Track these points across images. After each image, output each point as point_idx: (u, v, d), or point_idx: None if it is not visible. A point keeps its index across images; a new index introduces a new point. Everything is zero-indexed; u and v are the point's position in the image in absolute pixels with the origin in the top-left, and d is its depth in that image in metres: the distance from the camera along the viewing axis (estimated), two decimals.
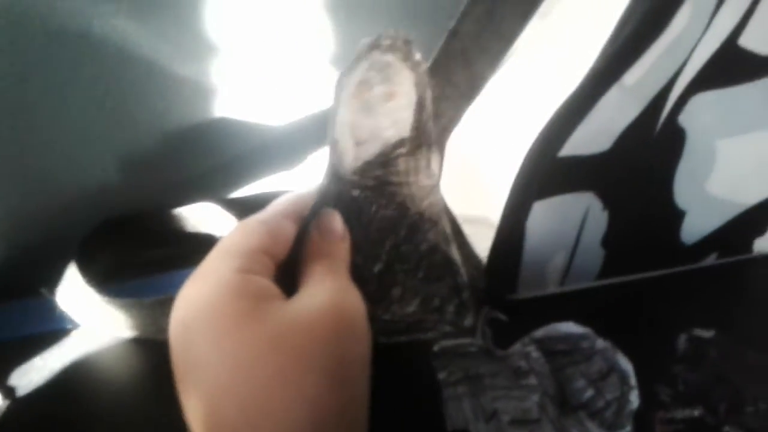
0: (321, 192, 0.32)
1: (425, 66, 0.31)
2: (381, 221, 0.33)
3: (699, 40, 0.34)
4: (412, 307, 0.33)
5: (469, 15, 0.38)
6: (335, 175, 0.32)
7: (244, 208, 0.42)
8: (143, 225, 0.45)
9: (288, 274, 0.30)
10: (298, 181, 0.47)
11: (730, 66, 0.35)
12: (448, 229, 0.34)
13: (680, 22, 0.32)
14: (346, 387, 0.27)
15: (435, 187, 0.34)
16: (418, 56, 0.31)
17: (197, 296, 0.27)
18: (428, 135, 0.33)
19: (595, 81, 0.33)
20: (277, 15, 0.40)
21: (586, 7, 0.35)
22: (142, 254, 0.44)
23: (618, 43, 0.33)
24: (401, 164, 0.33)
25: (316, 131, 0.45)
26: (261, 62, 0.41)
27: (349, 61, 0.30)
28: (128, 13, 0.36)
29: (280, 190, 0.48)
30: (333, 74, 0.34)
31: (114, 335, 0.40)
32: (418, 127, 0.32)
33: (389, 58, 0.30)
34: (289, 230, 0.31)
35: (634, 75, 0.33)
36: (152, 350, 0.39)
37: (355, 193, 0.32)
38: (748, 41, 0.35)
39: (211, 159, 0.45)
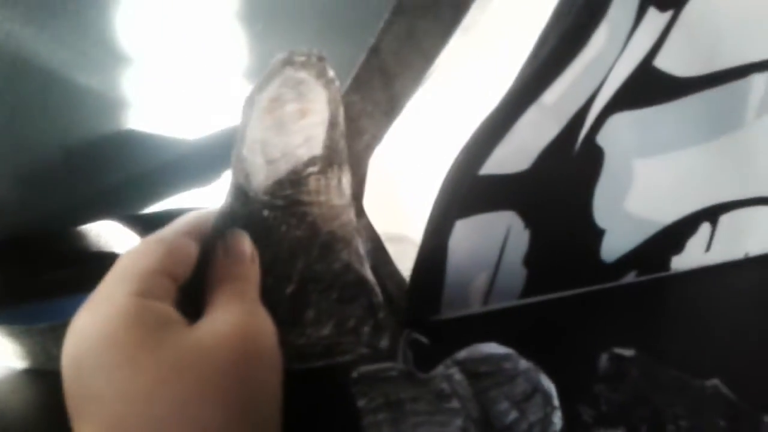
0: (224, 211, 0.31)
1: (338, 83, 0.31)
2: (291, 241, 0.32)
3: (616, 60, 0.34)
4: (326, 330, 0.32)
5: (390, 31, 0.38)
6: (242, 194, 0.31)
7: (147, 226, 0.40)
8: (40, 245, 0.42)
9: (191, 297, 0.29)
10: (209, 199, 0.45)
11: (647, 87, 0.36)
12: (361, 250, 0.34)
13: (597, 42, 0.32)
14: (253, 413, 0.25)
15: (347, 207, 0.33)
16: (331, 73, 0.30)
17: (90, 325, 0.25)
18: (340, 153, 0.32)
19: (514, 100, 0.33)
20: (189, 24, 0.38)
21: (507, 24, 0.35)
22: (38, 277, 0.41)
23: (536, 63, 0.33)
24: (312, 183, 0.32)
25: (228, 147, 0.44)
26: (172, 73, 0.40)
27: (262, 77, 0.29)
28: (24, 18, 0.34)
29: (187, 208, 0.46)
30: (247, 88, 0.33)
31: (2, 366, 0.38)
32: (330, 145, 0.32)
33: (302, 74, 0.30)
34: (191, 250, 0.29)
35: (552, 94, 0.33)
36: (43, 381, 0.37)
37: (265, 213, 0.31)
38: (664, 63, 0.36)
39: (116, 175, 0.42)
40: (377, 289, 0.34)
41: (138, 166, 0.42)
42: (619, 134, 0.37)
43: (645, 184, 0.40)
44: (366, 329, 0.33)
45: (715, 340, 0.41)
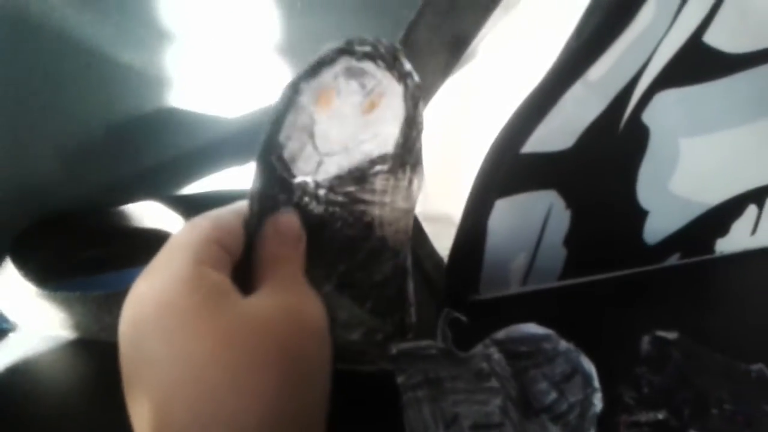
0: (264, 198, 0.30)
1: (417, 78, 0.29)
2: (341, 240, 0.31)
3: (664, 36, 0.33)
4: (355, 335, 0.32)
5: (430, 6, 0.37)
6: (278, 179, 0.29)
7: (191, 207, 0.41)
8: (84, 223, 0.43)
9: (242, 274, 0.29)
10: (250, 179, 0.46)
11: (695, 64, 0.35)
12: (408, 262, 0.32)
13: (645, 17, 0.32)
14: (303, 389, 0.25)
15: (409, 213, 0.31)
16: (407, 66, 0.28)
17: (148, 292, 0.26)
18: (415, 154, 0.30)
19: (558, 76, 0.33)
20: (230, 2, 0.38)
21: (551, 0, 0.34)
22: (82, 253, 0.42)
23: (582, 38, 0.32)
24: (379, 182, 0.30)
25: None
26: (212, 52, 0.40)
27: (305, 59, 0.28)
28: None
29: (229, 190, 0.46)
30: (287, 68, 0.33)
31: (54, 336, 0.38)
32: (405, 144, 0.30)
33: (367, 66, 0.28)
34: (238, 226, 0.29)
35: (597, 71, 0.33)
36: (95, 352, 0.37)
37: (321, 207, 0.30)
38: (713, 39, 0.35)
39: (158, 154, 0.43)
40: (412, 310, 0.33)
41: (179, 145, 0.43)
42: (666, 112, 0.36)
43: (691, 165, 0.39)
44: (393, 347, 0.32)
45: (760, 325, 0.40)
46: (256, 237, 0.29)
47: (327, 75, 0.28)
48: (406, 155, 0.30)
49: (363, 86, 0.29)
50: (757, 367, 0.35)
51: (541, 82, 0.33)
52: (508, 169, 0.35)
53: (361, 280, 0.32)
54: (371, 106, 0.29)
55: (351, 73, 0.28)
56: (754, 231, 0.45)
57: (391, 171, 0.30)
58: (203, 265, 0.26)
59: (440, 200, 0.41)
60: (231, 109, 0.43)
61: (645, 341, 0.36)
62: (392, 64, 0.28)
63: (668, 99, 0.36)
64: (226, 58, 0.40)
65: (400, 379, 0.31)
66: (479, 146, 0.35)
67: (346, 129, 0.29)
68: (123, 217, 0.44)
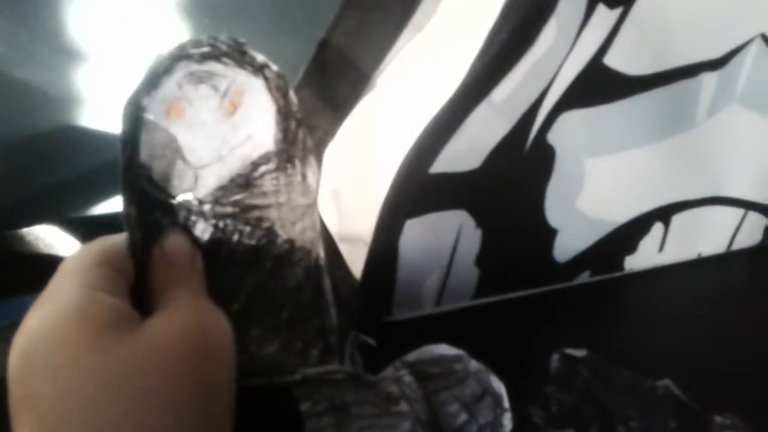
0: (148, 226, 0.28)
1: (275, 68, 0.27)
2: (243, 253, 0.29)
3: (565, 58, 0.34)
4: (272, 348, 0.30)
5: (340, 26, 0.37)
6: (161, 204, 0.28)
7: (89, 230, 0.39)
8: None
9: (138, 296, 0.27)
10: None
11: (596, 85, 0.36)
12: (322, 259, 0.31)
13: (546, 39, 0.32)
14: (206, 416, 0.24)
15: (311, 207, 0.30)
16: (259, 58, 0.27)
17: (39, 322, 0.24)
18: (299, 145, 0.29)
19: (463, 97, 0.33)
20: (134, 17, 0.37)
21: (457, 21, 0.35)
22: None
23: (486, 60, 0.32)
24: (268, 183, 0.29)
25: None
26: (114, 67, 0.38)
27: (145, 76, 0.26)
28: None
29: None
30: None
31: None
32: (286, 138, 0.28)
33: (212, 66, 0.27)
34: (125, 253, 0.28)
35: (502, 92, 0.33)
36: None
37: (210, 223, 0.29)
38: (614, 61, 0.35)
39: (55, 176, 0.41)
40: (332, 310, 0.31)
41: (78, 166, 0.41)
42: (570, 133, 0.37)
43: (597, 184, 0.40)
44: (314, 352, 0.31)
45: (668, 341, 0.41)
46: (148, 264, 0.28)
47: (168, 85, 0.26)
48: (291, 149, 0.29)
49: (215, 88, 0.27)
50: (663, 383, 0.35)
51: (447, 103, 0.33)
52: (418, 189, 0.35)
53: (273, 289, 0.30)
54: (233, 108, 0.28)
55: (197, 78, 0.27)
56: (661, 248, 0.46)
57: (279, 168, 0.29)
58: (95, 289, 0.25)
59: (354, 221, 0.41)
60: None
61: (554, 359, 0.36)
62: (241, 60, 0.27)
63: (572, 120, 0.36)
64: (128, 76, 0.39)
65: (304, 407, 0.30)
66: (390, 166, 0.35)
67: (212, 137, 0.28)
68: (17, 241, 0.42)
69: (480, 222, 0.37)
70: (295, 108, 0.28)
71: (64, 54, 0.37)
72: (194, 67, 0.26)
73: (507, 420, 0.32)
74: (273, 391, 0.30)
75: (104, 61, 0.38)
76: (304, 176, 0.29)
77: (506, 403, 0.32)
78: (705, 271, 0.48)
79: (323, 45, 0.38)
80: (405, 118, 0.35)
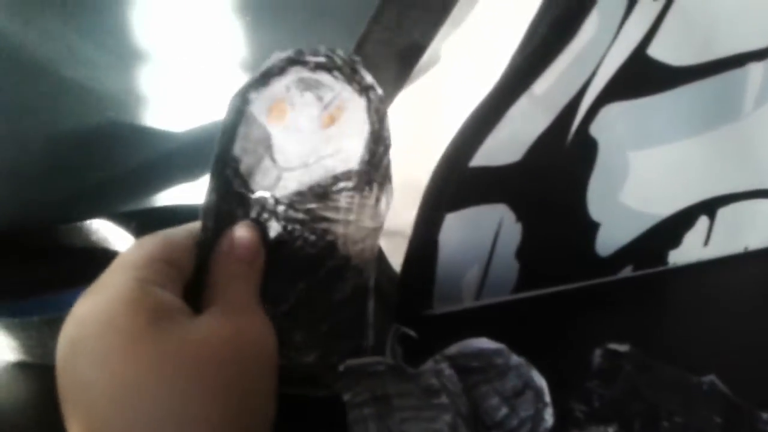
0: (221, 215, 0.29)
1: (380, 92, 0.28)
2: (301, 259, 0.30)
3: (608, 49, 0.34)
4: (310, 358, 0.31)
5: (379, 21, 0.37)
6: (234, 194, 0.29)
7: (141, 224, 0.40)
8: (32, 241, 0.42)
9: (194, 294, 0.28)
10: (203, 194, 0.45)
11: (640, 76, 0.35)
12: (372, 282, 0.31)
13: (588, 30, 0.32)
14: (246, 418, 0.25)
15: (376, 231, 0.30)
16: (368, 79, 0.28)
17: (90, 311, 0.25)
18: (382, 171, 0.29)
19: (504, 90, 0.33)
20: (177, 13, 0.38)
21: (498, 15, 0.35)
22: (26, 273, 0.41)
23: (526, 52, 0.32)
24: (343, 200, 0.29)
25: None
26: (160, 64, 0.39)
27: (256, 70, 0.27)
28: (10, 11, 0.33)
29: (180, 205, 0.45)
30: (237, 82, 0.32)
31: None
32: (371, 160, 0.29)
33: (322, 77, 0.27)
34: (189, 243, 0.29)
35: (543, 84, 0.33)
36: (38, 375, 0.36)
37: (280, 224, 0.29)
38: (657, 51, 0.35)
39: (105, 170, 0.42)
40: (371, 332, 0.32)
41: (127, 161, 0.42)
42: (613, 125, 0.36)
43: (640, 177, 0.39)
44: None
45: (713, 336, 0.40)
46: (212, 253, 0.29)
47: (277, 85, 0.27)
48: (373, 172, 0.29)
49: (320, 98, 0.28)
50: (708, 379, 0.35)
51: (488, 96, 0.33)
52: (458, 183, 0.35)
53: (320, 299, 0.31)
54: (331, 120, 0.28)
55: (305, 85, 0.27)
56: (706, 242, 0.45)
57: (357, 188, 0.29)
58: (149, 284, 0.25)
59: (394, 215, 0.41)
60: (180, 124, 0.42)
61: (596, 354, 0.36)
62: (351, 77, 0.28)
63: (615, 112, 0.36)
64: (175, 71, 0.40)
65: (346, 397, 0.30)
66: (429, 160, 0.35)
67: (304, 143, 0.28)
68: (70, 235, 0.43)
69: (520, 216, 0.37)
70: (387, 134, 0.29)
71: (109, 53, 0.38)
72: (306, 74, 0.27)
73: (548, 414, 0.32)
74: (306, 404, 0.30)
75: (149, 59, 0.39)
76: (377, 201, 0.30)
77: (547, 398, 0.32)
78: (752, 265, 0.47)
79: (362, 41, 0.38)
80: (445, 112, 0.35)
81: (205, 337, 0.25)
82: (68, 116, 0.38)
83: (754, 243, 0.47)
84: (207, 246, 0.29)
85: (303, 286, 0.30)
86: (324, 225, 0.30)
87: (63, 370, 0.24)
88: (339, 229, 0.30)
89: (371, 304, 0.31)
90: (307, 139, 0.28)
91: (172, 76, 0.39)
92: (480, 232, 0.37)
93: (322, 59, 0.27)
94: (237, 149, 0.28)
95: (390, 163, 0.30)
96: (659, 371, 0.36)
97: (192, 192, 0.45)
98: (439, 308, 0.40)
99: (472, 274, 0.39)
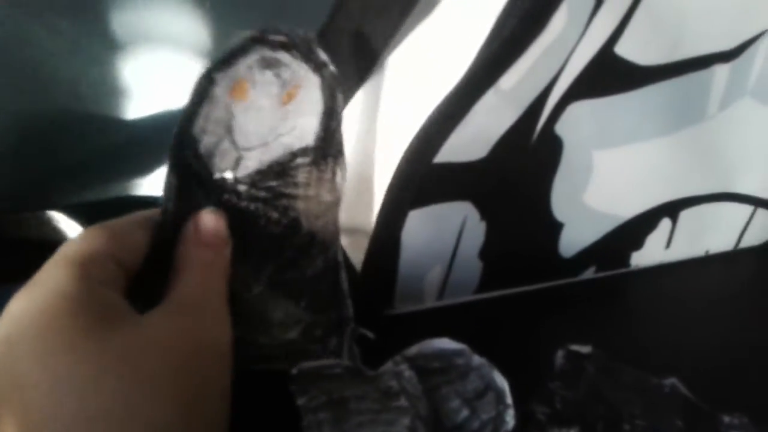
0: (184, 197, 0.28)
1: (333, 68, 0.28)
2: (267, 238, 0.30)
3: (575, 46, 0.33)
4: (293, 334, 0.30)
5: (342, 11, 0.36)
6: (195, 177, 0.28)
7: (91, 216, 0.38)
8: None
9: (143, 286, 0.27)
10: (154, 186, 0.43)
11: (607, 74, 0.35)
12: (340, 255, 0.32)
13: (557, 25, 0.31)
14: (198, 414, 0.23)
15: (335, 205, 0.31)
16: (323, 57, 0.28)
17: (26, 308, 0.23)
18: (336, 145, 0.30)
19: (470, 84, 0.32)
20: (136, 2, 0.36)
21: (466, 8, 0.34)
22: None
23: (494, 45, 0.31)
24: (301, 175, 0.30)
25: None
26: (114, 50, 0.38)
27: (218, 53, 0.27)
28: None
29: (134, 196, 0.44)
30: (195, 68, 0.31)
31: None
32: (325, 136, 0.29)
33: (283, 56, 0.27)
34: (139, 237, 0.27)
35: (510, 79, 0.32)
36: None
37: (243, 204, 0.29)
38: (625, 50, 0.35)
39: (54, 161, 0.40)
40: (349, 302, 0.32)
41: (76, 152, 0.40)
42: (579, 124, 0.36)
43: (605, 177, 0.39)
44: (333, 340, 0.32)
45: (674, 338, 0.40)
46: (173, 239, 0.27)
47: (241, 65, 0.27)
48: (327, 147, 0.30)
49: (278, 77, 0.28)
50: (669, 381, 0.35)
51: (453, 90, 0.32)
52: (422, 179, 0.34)
53: (293, 277, 0.31)
54: (288, 98, 0.28)
55: (266, 64, 0.27)
56: (668, 245, 0.45)
57: (314, 163, 0.30)
58: (92, 281, 0.24)
59: (356, 211, 0.40)
60: (134, 113, 0.41)
61: (559, 356, 0.35)
62: (308, 55, 0.28)
63: (581, 110, 0.36)
64: (131, 59, 0.38)
65: (300, 401, 0.29)
66: (393, 156, 0.34)
67: (264, 122, 0.29)
68: (14, 227, 0.41)
69: (485, 214, 0.37)
70: (339, 110, 0.29)
71: (62, 36, 0.36)
72: (267, 53, 0.27)
73: (510, 416, 0.31)
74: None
75: (105, 44, 0.37)
76: (333, 174, 0.30)
77: (509, 399, 0.32)
78: (712, 269, 0.48)
79: (324, 31, 0.37)
80: (409, 106, 0.35)
81: (151, 337, 0.24)
82: (17, 102, 0.37)
83: (715, 246, 0.48)
84: (166, 230, 0.28)
85: (273, 267, 0.30)
86: (284, 201, 0.30)
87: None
88: (300, 205, 0.30)
89: (343, 276, 0.32)
90: (266, 118, 0.29)
91: (126, 63, 0.38)
92: (443, 230, 0.36)
93: (282, 38, 0.27)
94: (197, 130, 0.27)
95: (342, 137, 0.30)
96: (621, 373, 0.35)
97: (147, 184, 0.44)
98: (401, 308, 0.39)
99: (435, 273, 0.38)
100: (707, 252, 0.48)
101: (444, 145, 0.33)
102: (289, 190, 0.30)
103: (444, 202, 0.35)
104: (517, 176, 0.36)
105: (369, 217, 0.36)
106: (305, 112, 0.29)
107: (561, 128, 0.36)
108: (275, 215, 0.30)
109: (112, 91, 0.39)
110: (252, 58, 0.27)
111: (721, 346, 0.40)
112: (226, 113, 0.28)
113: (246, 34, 0.27)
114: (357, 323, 0.33)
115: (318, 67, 0.28)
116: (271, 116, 0.29)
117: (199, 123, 0.27)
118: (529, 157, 0.36)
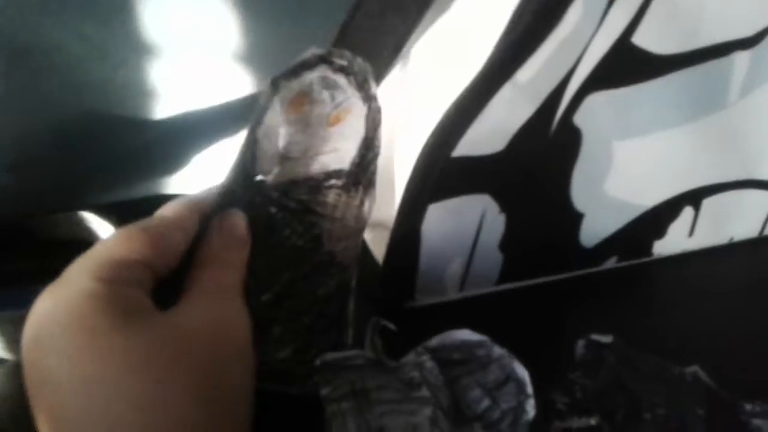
0: (226, 189, 0.29)
1: (379, 104, 0.29)
2: (288, 249, 0.30)
3: (592, 37, 0.33)
4: (284, 353, 0.31)
5: (361, 9, 0.37)
6: (244, 174, 0.29)
7: (120, 215, 0.39)
8: (10, 233, 0.41)
9: (174, 280, 0.27)
10: (186, 185, 0.44)
11: (624, 65, 0.35)
12: (353, 281, 0.32)
13: (572, 18, 0.31)
14: (223, 414, 0.24)
15: (358, 232, 0.32)
16: (374, 89, 0.29)
17: (53, 307, 0.24)
18: (369, 176, 0.31)
19: (487, 78, 0.32)
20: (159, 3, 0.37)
21: (482, 2, 0.34)
22: (9, 265, 0.40)
23: (510, 40, 0.32)
24: (331, 196, 0.31)
25: (205, 131, 0.42)
26: (140, 52, 0.38)
27: (293, 63, 0.28)
28: None
29: (165, 195, 0.45)
30: (218, 69, 0.32)
31: None
32: (361, 164, 0.30)
33: (340, 79, 0.29)
34: (178, 242, 0.27)
35: (526, 72, 0.32)
36: (12, 371, 0.35)
37: (272, 210, 0.30)
38: (642, 40, 0.34)
39: (84, 162, 0.41)
40: (350, 331, 0.32)
41: (108, 151, 0.41)
42: (597, 114, 0.36)
43: (625, 167, 0.39)
44: None
45: (696, 327, 0.40)
46: (202, 236, 0.28)
47: (306, 79, 0.28)
48: (360, 175, 0.30)
49: (333, 99, 0.29)
50: (692, 369, 0.35)
51: (470, 84, 0.32)
52: (440, 173, 0.34)
53: (303, 292, 0.31)
54: (336, 120, 0.30)
55: (326, 84, 0.29)
56: (691, 233, 0.45)
57: (345, 188, 0.30)
58: (116, 282, 0.24)
59: (376, 205, 0.41)
60: (162, 113, 0.41)
61: (580, 345, 0.36)
62: (362, 84, 0.29)
63: (599, 101, 0.36)
64: (158, 62, 0.39)
65: (324, 392, 0.29)
66: (412, 150, 0.34)
67: (310, 137, 0.30)
68: (48, 227, 0.42)
69: (504, 206, 0.37)
70: (378, 142, 0.30)
71: (93, 39, 0.37)
72: (329, 73, 0.29)
73: (530, 406, 0.31)
74: (278, 401, 0.30)
75: (133, 48, 0.38)
76: (362, 203, 0.31)
77: (530, 389, 0.32)
78: (736, 256, 0.47)
79: (344, 29, 0.38)
80: (428, 100, 0.35)
81: (176, 333, 0.24)
82: (46, 105, 0.38)
83: (739, 234, 0.47)
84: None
85: (288, 277, 0.30)
86: (312, 218, 0.30)
87: (29, 368, 0.24)
88: (325, 224, 0.31)
89: (351, 304, 0.32)
90: (313, 134, 0.30)
91: (152, 66, 0.39)
92: (463, 222, 0.37)
93: (344, 62, 0.29)
94: (260, 133, 0.29)
95: (376, 170, 0.31)
96: (642, 362, 0.35)
97: (175, 182, 0.45)
98: (422, 300, 0.40)
99: (456, 266, 0.39)
100: (731, 239, 0.47)
101: (462, 139, 0.33)
102: (318, 208, 0.30)
103: (463, 196, 0.36)
104: (536, 168, 0.36)
105: (390, 212, 0.37)
106: (347, 137, 0.30)
107: (579, 119, 0.36)
108: (300, 228, 0.30)
109: (139, 93, 0.40)
110: (316, 75, 0.28)
111: (743, 335, 0.39)
112: (283, 122, 0.29)
113: (315, 50, 0.28)
114: (379, 315, 0.34)
115: (368, 98, 0.29)
116: (317, 133, 0.30)
117: (263, 127, 0.29)
118: (547, 149, 0.36)
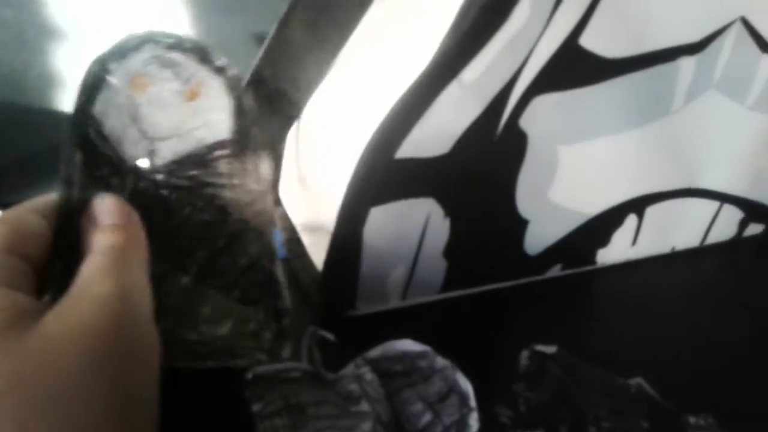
0: (74, 181, 0.27)
1: (234, 71, 0.29)
2: (194, 227, 0.30)
3: (539, 38, 0.32)
4: (223, 329, 0.30)
5: (302, 2, 0.35)
6: (107, 162, 0.28)
7: None
8: None
9: (56, 277, 0.25)
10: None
11: (571, 67, 0.34)
12: (275, 244, 0.31)
13: (520, 16, 0.30)
14: (126, 423, 0.21)
15: (265, 194, 0.31)
16: (220, 62, 0.29)
17: None
18: (253, 140, 0.30)
19: (432, 76, 0.31)
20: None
21: None
22: None
23: (456, 36, 0.31)
24: (223, 166, 0.30)
25: None
26: (61, 43, 0.36)
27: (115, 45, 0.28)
28: None
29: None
30: None
31: None
32: (240, 131, 0.30)
33: (177, 57, 0.28)
34: (40, 227, 0.25)
35: (473, 71, 0.31)
36: None
37: (163, 193, 0.29)
38: (590, 42, 0.34)
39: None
40: (285, 292, 0.31)
41: (26, 145, 0.38)
42: (544, 118, 0.35)
43: (570, 173, 0.38)
44: (267, 335, 0.30)
45: (640, 336, 0.40)
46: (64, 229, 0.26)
47: (135, 60, 0.28)
48: (244, 141, 0.30)
49: (178, 75, 0.29)
50: (635, 381, 0.34)
51: (415, 83, 0.31)
52: (383, 176, 0.33)
53: (225, 266, 0.30)
54: (193, 95, 0.29)
55: (163, 63, 0.28)
56: (634, 241, 0.45)
57: (234, 155, 0.30)
58: None
59: (318, 209, 0.39)
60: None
61: (523, 356, 0.35)
62: (204, 59, 0.29)
63: (546, 104, 0.35)
64: (79, 50, 0.36)
65: (256, 407, 0.28)
66: (354, 151, 0.33)
67: (171, 115, 0.29)
68: None
69: (449, 211, 0.36)
70: (248, 109, 0.30)
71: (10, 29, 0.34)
72: (160, 52, 0.28)
73: (473, 420, 0.31)
74: (224, 377, 0.29)
75: (54, 38, 0.35)
76: (256, 166, 0.31)
77: (473, 402, 0.31)
78: (678, 266, 0.47)
79: (284, 22, 0.36)
80: (370, 99, 0.33)
81: (54, 337, 0.21)
82: None
83: (681, 243, 0.47)
84: (72, 216, 0.27)
85: (203, 255, 0.30)
86: (210, 190, 0.30)
87: None
88: (226, 193, 0.30)
89: (280, 266, 0.31)
90: (173, 111, 0.29)
91: (73, 53, 0.36)
92: (406, 227, 0.35)
93: (172, 40, 0.28)
94: (97, 110, 0.28)
95: (258, 135, 0.30)
96: (586, 373, 0.35)
97: None
98: (363, 308, 0.38)
99: (398, 272, 0.37)
100: (673, 249, 0.47)
101: (406, 139, 0.32)
102: (213, 179, 0.30)
103: (407, 199, 0.34)
104: (481, 172, 0.35)
105: (330, 215, 0.35)
106: (213, 109, 0.30)
107: (525, 122, 0.35)
108: (200, 203, 0.30)
109: (58, 83, 0.37)
110: (145, 55, 0.28)
111: (687, 345, 0.39)
112: (129, 103, 0.28)
113: (134, 32, 0.28)
114: (317, 325, 0.32)
115: (217, 70, 0.29)
116: (178, 110, 0.29)
117: (98, 105, 0.28)
118: (493, 153, 0.35)
